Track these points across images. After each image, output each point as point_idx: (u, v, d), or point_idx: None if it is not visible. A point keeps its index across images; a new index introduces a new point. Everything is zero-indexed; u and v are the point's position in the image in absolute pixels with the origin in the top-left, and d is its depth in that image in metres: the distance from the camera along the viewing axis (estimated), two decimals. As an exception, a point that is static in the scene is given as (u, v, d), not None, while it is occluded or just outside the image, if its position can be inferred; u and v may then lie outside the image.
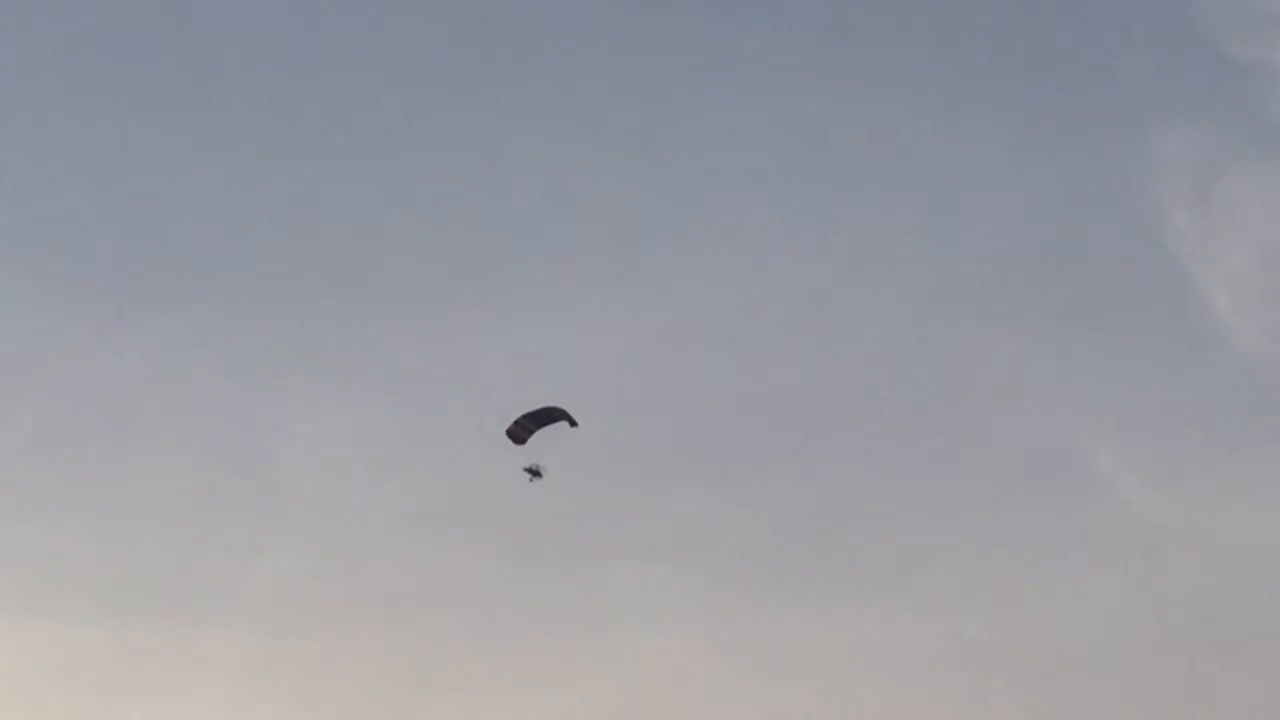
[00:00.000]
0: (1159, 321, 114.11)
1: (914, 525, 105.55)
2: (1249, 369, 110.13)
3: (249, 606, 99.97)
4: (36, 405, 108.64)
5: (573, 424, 79.42)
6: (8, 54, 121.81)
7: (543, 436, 79.72)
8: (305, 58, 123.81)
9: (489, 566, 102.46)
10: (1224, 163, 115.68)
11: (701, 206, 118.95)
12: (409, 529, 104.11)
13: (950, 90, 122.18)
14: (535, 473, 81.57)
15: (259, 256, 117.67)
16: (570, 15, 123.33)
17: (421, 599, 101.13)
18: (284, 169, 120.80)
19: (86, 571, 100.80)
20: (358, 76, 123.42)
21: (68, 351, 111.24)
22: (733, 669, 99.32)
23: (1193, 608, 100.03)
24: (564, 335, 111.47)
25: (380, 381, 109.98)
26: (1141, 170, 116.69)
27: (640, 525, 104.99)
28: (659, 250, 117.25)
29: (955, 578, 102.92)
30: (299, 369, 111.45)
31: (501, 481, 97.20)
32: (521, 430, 79.48)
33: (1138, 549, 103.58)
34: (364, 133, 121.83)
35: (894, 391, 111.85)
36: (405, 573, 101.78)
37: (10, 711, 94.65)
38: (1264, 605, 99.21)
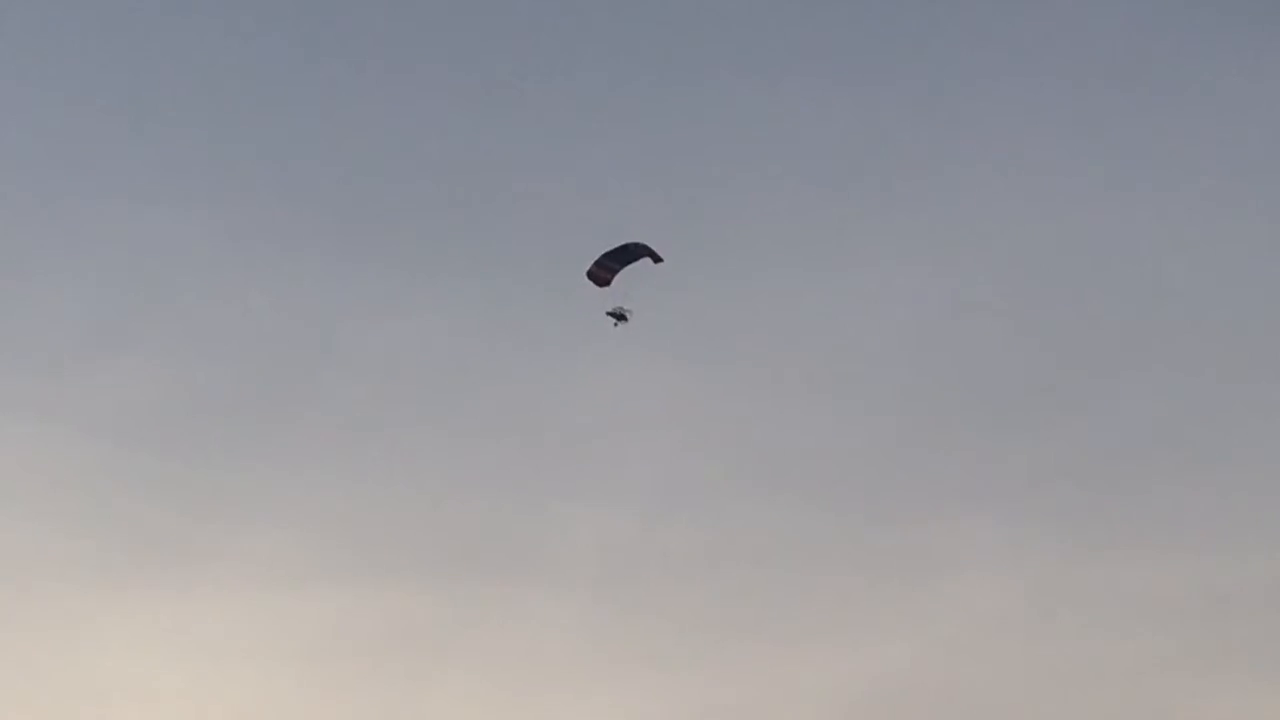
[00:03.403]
0: None
1: (1230, 469, 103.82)
2: None
3: (575, 567, 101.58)
4: (361, 375, 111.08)
5: (657, 260, 75.44)
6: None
7: (629, 277, 76.19)
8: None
9: (806, 520, 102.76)
10: None
11: (997, 160, 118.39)
12: (727, 485, 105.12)
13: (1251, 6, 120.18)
14: (620, 317, 77.78)
15: (574, 226, 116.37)
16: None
17: (740, 554, 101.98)
18: (576, 143, 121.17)
19: (418, 536, 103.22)
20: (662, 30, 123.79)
21: (399, 325, 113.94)
22: (1048, 617, 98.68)
23: None
24: (877, 283, 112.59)
25: (698, 342, 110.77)
26: None
27: (955, 475, 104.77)
28: (966, 198, 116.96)
29: (1273, 522, 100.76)
30: (613, 331, 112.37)
31: (813, 437, 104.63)
32: (604, 271, 75.47)
33: None
34: (656, 97, 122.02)
35: (1202, 337, 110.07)
36: (724, 529, 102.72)
37: (346, 672, 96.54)
38: None
